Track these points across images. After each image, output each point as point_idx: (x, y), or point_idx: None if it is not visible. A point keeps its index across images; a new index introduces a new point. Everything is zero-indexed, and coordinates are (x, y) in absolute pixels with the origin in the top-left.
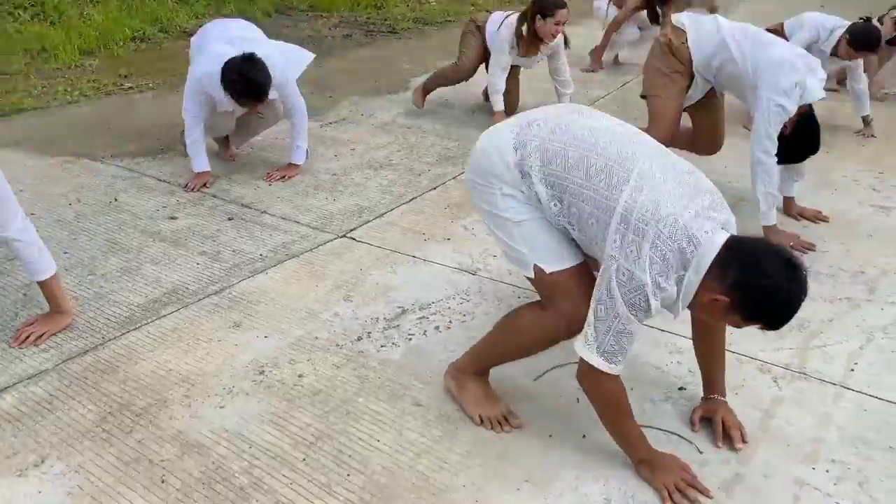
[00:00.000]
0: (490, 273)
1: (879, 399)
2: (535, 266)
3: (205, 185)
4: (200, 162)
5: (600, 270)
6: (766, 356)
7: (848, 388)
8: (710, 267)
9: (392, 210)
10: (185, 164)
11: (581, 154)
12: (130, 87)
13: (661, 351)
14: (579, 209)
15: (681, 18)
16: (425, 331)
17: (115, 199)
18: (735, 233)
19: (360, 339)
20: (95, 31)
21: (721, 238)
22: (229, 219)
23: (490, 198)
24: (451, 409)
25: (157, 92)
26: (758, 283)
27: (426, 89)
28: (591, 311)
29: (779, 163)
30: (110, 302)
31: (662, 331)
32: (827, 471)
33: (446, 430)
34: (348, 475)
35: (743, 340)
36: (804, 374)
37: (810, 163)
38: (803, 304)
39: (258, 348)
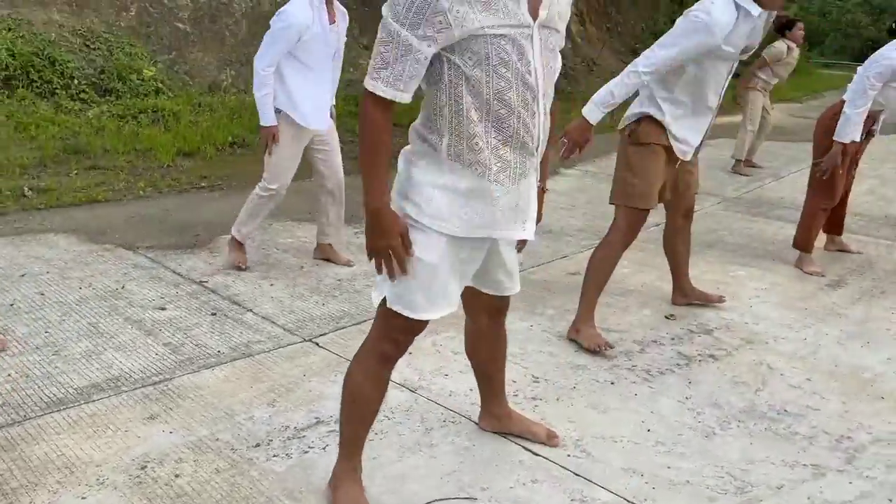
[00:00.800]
0: (430, 393)
1: None
2: (386, 298)
3: (274, 137)
4: (270, 115)
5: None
6: None
7: None
8: None
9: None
10: (205, 260)
11: None
12: (203, 187)
13: (563, 497)
14: None
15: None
16: (326, 445)
17: (123, 287)
18: None
19: (258, 445)
20: (198, 136)
21: None
22: (213, 314)
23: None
24: None
25: (224, 192)
26: None
27: None
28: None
29: None
30: (53, 382)
31: (576, 475)
32: None
33: None
34: None
35: (663, 498)
36: None
37: (852, 311)
38: (753, 465)
39: (157, 443)
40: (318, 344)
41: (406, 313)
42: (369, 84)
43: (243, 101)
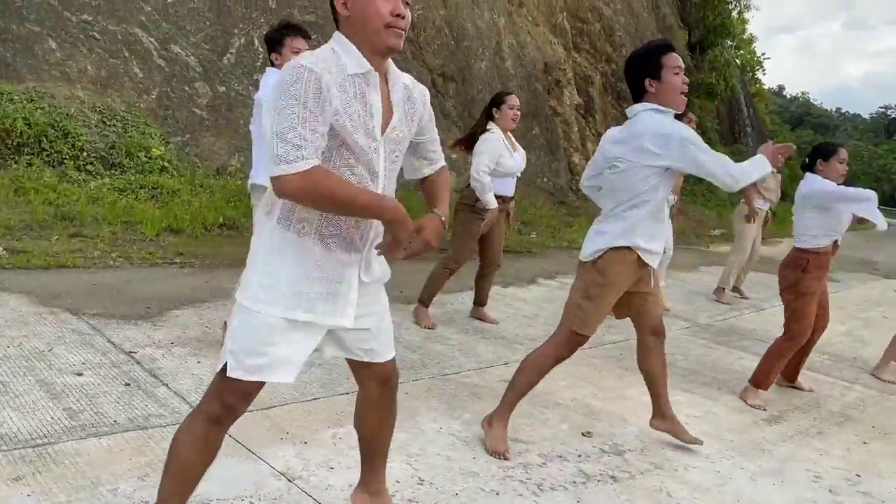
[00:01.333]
0: (306, 485)
1: None
2: (227, 363)
3: None
4: None
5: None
6: None
7: None
8: None
9: (284, 405)
10: (145, 332)
11: None
12: (176, 263)
13: None
14: None
15: None
16: None
17: (51, 350)
18: None
19: None
20: (189, 214)
21: None
22: (126, 384)
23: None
24: None
25: (194, 270)
26: None
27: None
28: (271, 138)
29: None
30: None
31: None
32: None
33: None
34: None
35: None
36: None
37: (779, 448)
38: None
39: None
40: None
41: (238, 374)
42: (298, 165)
43: (245, 188)
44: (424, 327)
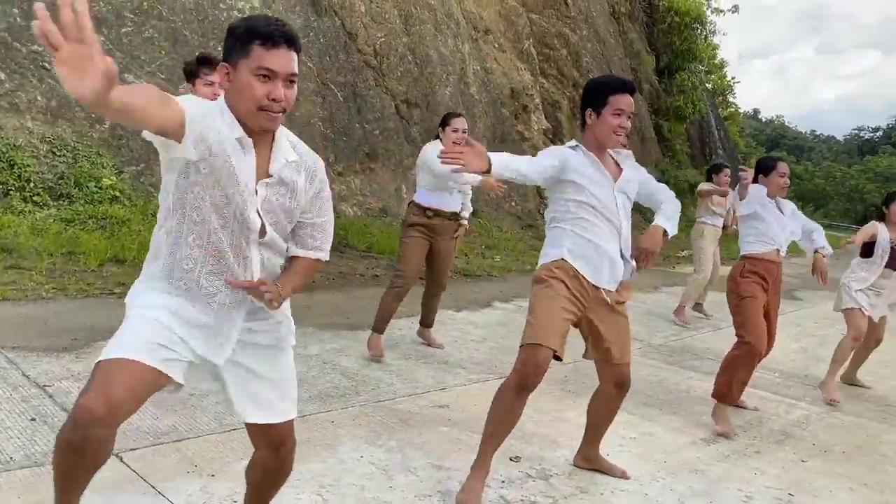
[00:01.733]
0: None
1: None
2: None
3: None
4: None
5: None
6: None
7: None
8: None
9: (199, 437)
10: (65, 365)
11: None
12: (114, 293)
13: None
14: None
15: None
16: None
17: None
18: None
19: None
20: (136, 244)
21: None
22: (32, 419)
23: None
24: None
25: None
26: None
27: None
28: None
29: None
30: None
31: None
32: None
33: None
34: None
35: None
36: None
37: (714, 468)
38: None
39: None
40: (121, 459)
41: (104, 356)
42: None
43: None
44: (371, 357)
